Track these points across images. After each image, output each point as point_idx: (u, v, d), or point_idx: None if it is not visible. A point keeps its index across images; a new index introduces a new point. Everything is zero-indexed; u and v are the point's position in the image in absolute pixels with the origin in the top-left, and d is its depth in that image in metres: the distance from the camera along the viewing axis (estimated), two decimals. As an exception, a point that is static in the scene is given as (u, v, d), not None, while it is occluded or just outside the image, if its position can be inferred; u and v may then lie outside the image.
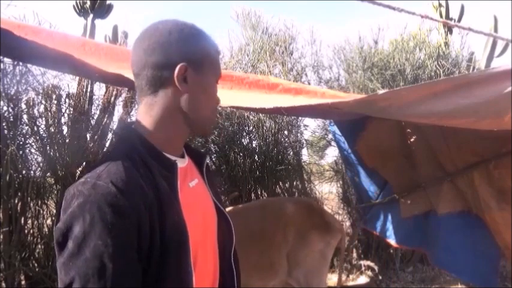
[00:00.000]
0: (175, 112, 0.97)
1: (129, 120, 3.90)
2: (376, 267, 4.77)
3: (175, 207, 0.92)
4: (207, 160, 1.14)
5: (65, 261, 0.80)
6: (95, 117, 3.78)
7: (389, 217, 3.71)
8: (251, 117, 4.72)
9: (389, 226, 3.71)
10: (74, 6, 4.72)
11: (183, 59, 0.95)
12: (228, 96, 2.06)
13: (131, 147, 0.94)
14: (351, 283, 4.72)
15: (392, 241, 3.71)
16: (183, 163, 1.03)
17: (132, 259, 0.83)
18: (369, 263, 4.81)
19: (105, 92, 3.82)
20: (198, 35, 0.99)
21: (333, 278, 4.73)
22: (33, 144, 3.48)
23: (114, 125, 3.92)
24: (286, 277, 2.92)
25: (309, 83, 5.05)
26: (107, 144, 3.90)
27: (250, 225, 2.89)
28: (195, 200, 1.02)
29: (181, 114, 0.98)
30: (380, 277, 4.71)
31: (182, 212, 0.92)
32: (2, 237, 3.15)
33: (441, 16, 5.86)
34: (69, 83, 3.63)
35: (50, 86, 3.52)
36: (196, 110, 0.99)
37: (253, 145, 4.87)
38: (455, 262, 3.32)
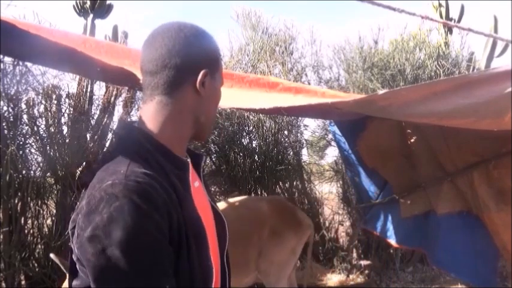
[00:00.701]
0: (189, 114, 0.98)
1: (129, 119, 3.90)
2: (369, 262, 4.76)
3: (191, 204, 0.94)
4: (204, 161, 1.14)
5: (124, 267, 0.78)
6: (95, 117, 3.79)
7: (390, 217, 3.71)
8: (251, 117, 4.72)
9: (390, 226, 3.71)
10: (74, 6, 4.72)
11: (205, 65, 0.97)
12: (228, 95, 2.06)
13: (140, 146, 0.93)
14: (351, 283, 4.72)
15: (392, 241, 3.71)
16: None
17: (170, 253, 0.85)
18: (365, 262, 4.82)
19: (105, 92, 3.83)
20: (214, 42, 1.02)
21: (333, 278, 4.73)
22: (33, 144, 3.48)
23: (114, 125, 3.92)
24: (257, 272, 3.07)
25: (309, 83, 5.05)
26: (107, 144, 3.90)
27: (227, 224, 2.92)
28: (201, 200, 1.03)
29: (193, 116, 0.99)
30: (380, 276, 4.71)
31: (197, 209, 0.95)
32: (2, 237, 3.15)
33: (441, 16, 5.86)
34: (69, 83, 3.64)
35: (50, 86, 3.52)
36: (206, 114, 1.01)
37: (253, 145, 4.87)
38: (455, 262, 3.32)
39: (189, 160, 1.04)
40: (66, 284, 2.24)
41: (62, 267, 2.15)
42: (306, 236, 3.25)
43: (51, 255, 2.18)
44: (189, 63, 0.95)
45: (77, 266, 0.89)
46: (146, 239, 0.80)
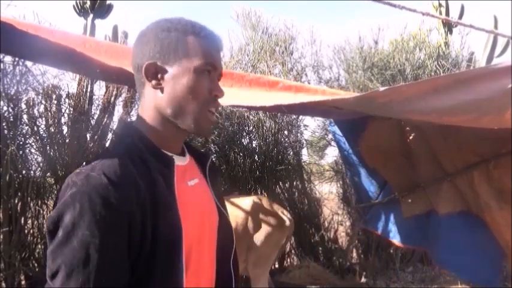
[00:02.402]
0: (153, 111, 0.97)
1: (129, 120, 3.90)
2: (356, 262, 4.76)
3: (170, 203, 0.91)
4: (210, 161, 1.13)
5: (54, 249, 0.81)
6: (95, 117, 3.79)
7: (392, 217, 3.71)
8: (251, 117, 4.72)
9: (392, 226, 3.70)
10: (74, 6, 4.71)
11: (152, 57, 0.94)
12: (228, 94, 2.05)
13: (131, 143, 0.95)
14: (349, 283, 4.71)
15: (396, 241, 3.71)
16: (182, 161, 1.03)
17: (118, 252, 0.83)
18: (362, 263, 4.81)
19: (105, 92, 3.82)
20: (170, 27, 0.96)
21: (330, 278, 4.72)
22: (33, 144, 3.48)
23: (114, 125, 3.92)
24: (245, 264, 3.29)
25: (309, 83, 5.05)
26: (107, 144, 3.90)
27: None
28: (193, 199, 1.00)
29: (158, 112, 0.96)
30: (375, 277, 4.71)
31: (178, 209, 0.92)
32: (2, 237, 3.15)
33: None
34: (69, 83, 3.65)
35: (50, 86, 3.52)
36: (177, 105, 0.95)
37: (253, 145, 4.87)
38: (458, 261, 3.31)
39: (185, 158, 1.04)
40: None
41: None
42: (288, 230, 3.46)
43: None
44: (138, 61, 0.96)
45: None
46: (84, 232, 0.80)
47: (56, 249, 0.80)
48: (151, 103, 0.96)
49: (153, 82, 0.95)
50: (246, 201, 3.41)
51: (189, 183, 1.01)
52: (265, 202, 3.48)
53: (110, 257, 0.81)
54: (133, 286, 0.85)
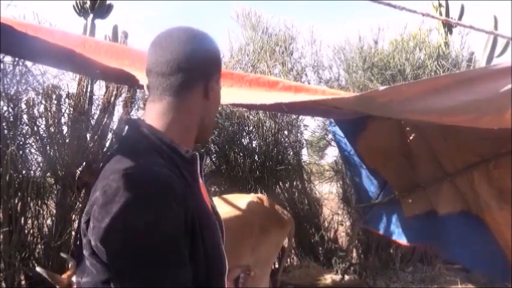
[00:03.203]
0: (196, 116, 1.01)
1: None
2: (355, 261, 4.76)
3: (201, 197, 0.97)
4: (205, 161, 1.16)
5: (138, 254, 0.79)
6: (95, 117, 3.79)
7: (394, 217, 3.70)
8: (251, 117, 4.72)
9: (395, 226, 3.70)
10: (74, 6, 4.71)
11: (214, 70, 1.02)
12: (228, 94, 2.06)
13: (150, 141, 0.95)
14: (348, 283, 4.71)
15: (401, 240, 3.71)
16: None
17: (187, 242, 0.86)
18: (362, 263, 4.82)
19: (105, 92, 3.82)
20: (218, 47, 1.07)
21: (329, 278, 4.73)
22: (33, 144, 3.48)
23: (114, 125, 3.92)
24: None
25: (309, 83, 5.04)
26: (107, 144, 3.90)
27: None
28: (204, 195, 1.05)
29: (200, 119, 1.02)
30: (375, 277, 4.70)
31: (206, 202, 0.98)
32: (2, 237, 3.15)
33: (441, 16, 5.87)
34: (69, 83, 3.64)
35: (50, 86, 3.52)
36: (210, 116, 1.06)
37: (253, 145, 4.87)
38: (469, 254, 3.31)
39: (197, 153, 1.05)
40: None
41: (50, 280, 2.16)
42: (287, 230, 3.41)
43: (38, 269, 2.21)
44: (202, 68, 1.00)
45: (87, 262, 0.88)
46: (165, 228, 0.80)
47: (138, 262, 0.79)
48: (196, 108, 1.00)
49: (210, 93, 1.01)
50: (247, 200, 3.32)
51: (201, 181, 1.05)
52: (266, 201, 3.41)
53: (186, 250, 0.84)
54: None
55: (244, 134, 4.81)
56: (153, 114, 0.98)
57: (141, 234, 0.79)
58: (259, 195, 3.49)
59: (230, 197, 3.44)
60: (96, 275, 0.86)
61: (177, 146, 0.96)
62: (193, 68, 0.98)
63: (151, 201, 0.80)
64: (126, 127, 1.02)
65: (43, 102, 3.52)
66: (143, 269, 0.79)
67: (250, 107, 3.89)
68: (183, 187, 0.87)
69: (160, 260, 0.79)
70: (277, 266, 4.94)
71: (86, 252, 0.87)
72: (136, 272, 0.79)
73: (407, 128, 3.42)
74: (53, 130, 3.48)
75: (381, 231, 3.82)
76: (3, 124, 3.20)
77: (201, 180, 1.08)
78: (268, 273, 3.33)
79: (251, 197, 3.38)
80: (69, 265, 2.33)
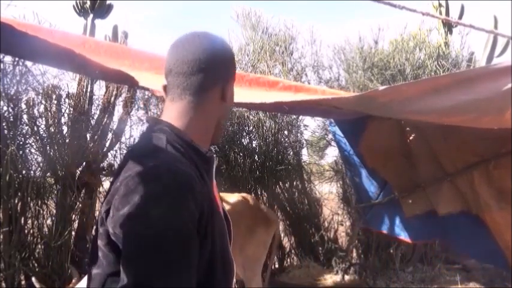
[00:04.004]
0: (214, 117, 1.04)
1: (129, 119, 3.90)
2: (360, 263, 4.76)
3: (215, 198, 0.99)
4: (216, 162, 1.16)
5: (143, 250, 0.80)
6: (95, 117, 3.78)
7: (394, 216, 3.71)
8: (251, 117, 4.72)
9: (397, 225, 3.71)
10: (74, 6, 4.70)
11: (231, 73, 1.07)
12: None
13: (172, 140, 0.96)
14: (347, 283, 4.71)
15: (406, 238, 3.71)
16: None
17: (197, 244, 0.86)
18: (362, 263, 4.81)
19: (105, 92, 3.83)
20: (233, 53, 1.12)
21: (329, 278, 4.73)
22: (33, 144, 3.48)
23: (114, 125, 3.92)
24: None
25: (309, 83, 5.04)
26: (107, 144, 3.90)
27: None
28: (217, 196, 1.08)
29: (217, 120, 1.06)
30: (375, 277, 4.70)
31: (219, 203, 1.00)
32: (2, 237, 3.15)
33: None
34: (69, 83, 3.64)
35: (50, 86, 3.52)
36: (225, 118, 1.11)
37: (253, 145, 4.87)
38: (474, 247, 3.32)
39: (214, 155, 1.09)
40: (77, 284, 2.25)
41: None
42: (273, 230, 3.40)
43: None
44: (222, 71, 1.04)
45: (100, 254, 0.90)
46: (178, 225, 0.81)
47: (147, 250, 0.80)
48: (213, 110, 1.03)
49: (227, 95, 1.04)
50: (232, 200, 3.30)
51: (214, 181, 1.08)
52: (251, 200, 3.40)
53: (195, 250, 0.85)
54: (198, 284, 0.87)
55: (244, 134, 4.81)
56: (173, 113, 1.01)
57: (153, 224, 0.80)
58: (244, 194, 3.45)
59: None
60: (106, 267, 0.88)
61: (197, 145, 0.98)
62: (212, 69, 1.01)
63: (168, 196, 0.82)
64: (147, 125, 1.05)
65: (43, 102, 3.52)
66: (147, 258, 0.80)
67: (250, 107, 3.89)
68: (201, 187, 0.89)
69: (166, 256, 0.80)
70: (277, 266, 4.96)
71: (101, 243, 0.90)
72: (141, 259, 0.80)
73: (407, 128, 3.41)
74: (53, 130, 3.48)
75: (384, 231, 3.83)
76: (3, 124, 3.20)
77: (214, 182, 1.10)
78: (259, 273, 3.32)
79: (236, 196, 3.35)
80: (73, 280, 2.35)
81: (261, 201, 4.87)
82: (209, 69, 1.00)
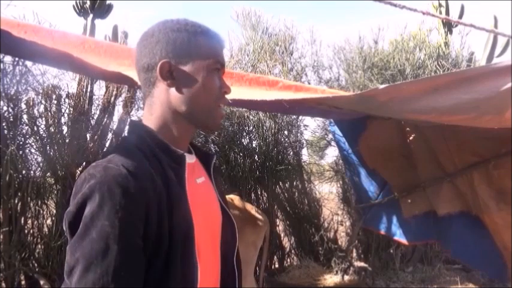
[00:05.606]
0: (166, 108, 0.99)
1: (129, 119, 3.90)
2: (364, 265, 4.76)
3: (182, 198, 0.93)
4: (215, 160, 1.15)
5: (72, 243, 0.81)
6: (95, 117, 3.78)
7: (395, 216, 3.71)
8: (251, 117, 4.72)
9: (396, 225, 3.71)
10: (73, 6, 4.70)
11: (165, 56, 0.97)
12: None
13: (140, 139, 0.96)
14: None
15: (403, 240, 3.71)
16: (190, 159, 1.05)
17: (137, 243, 0.83)
18: (360, 263, 4.81)
19: (105, 92, 3.82)
20: (180, 28, 0.99)
21: (329, 279, 4.72)
22: (33, 144, 3.47)
23: (114, 125, 3.92)
24: None
25: (309, 83, 5.04)
26: (107, 144, 3.90)
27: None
28: (201, 196, 1.03)
29: (172, 110, 0.99)
30: (375, 277, 4.70)
31: (189, 204, 0.94)
32: (2, 237, 3.14)
33: (441, 16, 5.86)
34: (69, 83, 3.64)
35: (50, 86, 3.51)
36: (192, 103, 0.98)
37: (253, 145, 4.87)
38: (468, 254, 3.31)
39: (192, 156, 1.05)
40: None
41: None
42: (263, 231, 3.34)
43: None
44: (149, 60, 0.98)
45: None
46: (103, 223, 0.80)
47: (75, 243, 0.80)
48: (164, 101, 0.98)
49: (168, 81, 0.97)
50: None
51: (198, 181, 1.04)
52: (237, 201, 3.36)
53: (129, 248, 0.81)
54: (152, 284, 0.85)
55: (244, 134, 4.81)
56: (144, 112, 1.02)
57: (85, 220, 0.80)
58: (231, 195, 3.42)
59: None
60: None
61: (166, 144, 0.97)
62: (143, 64, 0.99)
63: (100, 192, 0.81)
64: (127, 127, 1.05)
65: (43, 102, 3.51)
66: (75, 255, 0.80)
67: (250, 107, 3.88)
68: (153, 187, 0.87)
69: (88, 253, 0.79)
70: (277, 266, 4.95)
71: None
72: (72, 252, 0.81)
73: (407, 128, 3.41)
74: (53, 130, 3.48)
75: (383, 231, 3.83)
76: (3, 124, 3.20)
77: (205, 179, 1.07)
78: (251, 273, 3.28)
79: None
80: None
81: (260, 201, 4.87)
82: (141, 67, 1.00)
